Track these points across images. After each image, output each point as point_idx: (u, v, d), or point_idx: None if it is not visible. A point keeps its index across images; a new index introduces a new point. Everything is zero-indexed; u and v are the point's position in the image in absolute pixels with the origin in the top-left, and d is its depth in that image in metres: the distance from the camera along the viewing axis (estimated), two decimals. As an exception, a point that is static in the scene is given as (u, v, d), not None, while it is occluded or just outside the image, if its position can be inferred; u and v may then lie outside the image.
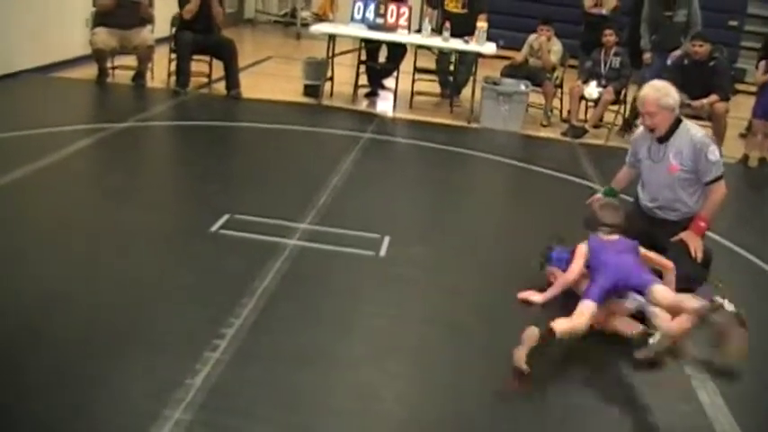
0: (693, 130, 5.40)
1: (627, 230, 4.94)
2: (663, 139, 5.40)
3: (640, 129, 5.65)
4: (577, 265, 4.75)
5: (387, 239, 5.50)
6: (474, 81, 9.90)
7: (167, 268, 4.82)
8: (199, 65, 9.84)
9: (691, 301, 4.35)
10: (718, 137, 9.21)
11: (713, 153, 5.32)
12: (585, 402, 3.89)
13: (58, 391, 3.43)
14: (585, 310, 4.33)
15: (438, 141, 8.58)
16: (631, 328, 4.41)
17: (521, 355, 4.00)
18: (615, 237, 4.85)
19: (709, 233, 6.34)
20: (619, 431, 3.75)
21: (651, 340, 4.26)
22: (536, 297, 4.85)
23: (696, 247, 5.22)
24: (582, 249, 4.79)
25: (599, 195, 5.69)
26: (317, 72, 10.05)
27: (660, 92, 5.33)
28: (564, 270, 4.89)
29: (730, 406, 3.93)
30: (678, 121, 5.39)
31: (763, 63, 9.80)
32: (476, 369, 4.07)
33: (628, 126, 10.16)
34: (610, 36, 9.73)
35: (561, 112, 10.40)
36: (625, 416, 3.88)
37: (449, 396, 3.82)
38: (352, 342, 4.17)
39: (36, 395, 3.39)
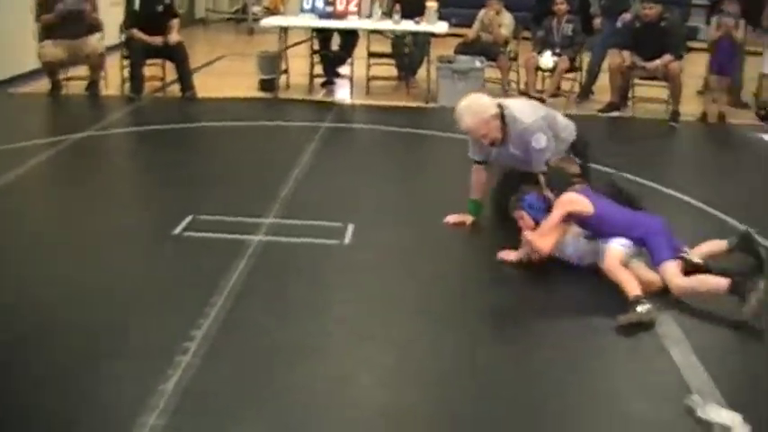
0: (519, 117, 5.31)
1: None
2: (502, 141, 5.38)
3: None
4: (558, 215, 4.76)
5: (351, 227, 5.48)
6: (428, 61, 9.87)
7: (132, 275, 4.76)
8: (152, 69, 9.75)
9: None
10: (675, 96, 9.27)
11: (537, 141, 5.26)
12: (560, 367, 3.90)
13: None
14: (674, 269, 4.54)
15: (397, 124, 8.58)
16: (635, 288, 4.41)
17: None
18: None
19: (672, 191, 6.43)
20: (594, 391, 3.76)
21: (639, 308, 4.26)
22: (512, 256, 4.94)
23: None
24: (570, 198, 4.82)
25: (468, 217, 5.65)
26: (272, 66, 9.99)
27: (476, 109, 5.26)
28: (535, 218, 4.95)
29: (704, 363, 3.94)
30: (503, 114, 5.32)
31: (714, 19, 9.84)
32: (449, 350, 4.05)
33: (585, 93, 10.21)
34: (561, 5, 9.75)
35: (518, 84, 10.41)
36: (600, 376, 3.90)
37: (427, 379, 3.81)
38: (324, 332, 4.15)
39: None
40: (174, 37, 9.40)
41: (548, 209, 4.89)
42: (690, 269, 4.67)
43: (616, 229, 4.71)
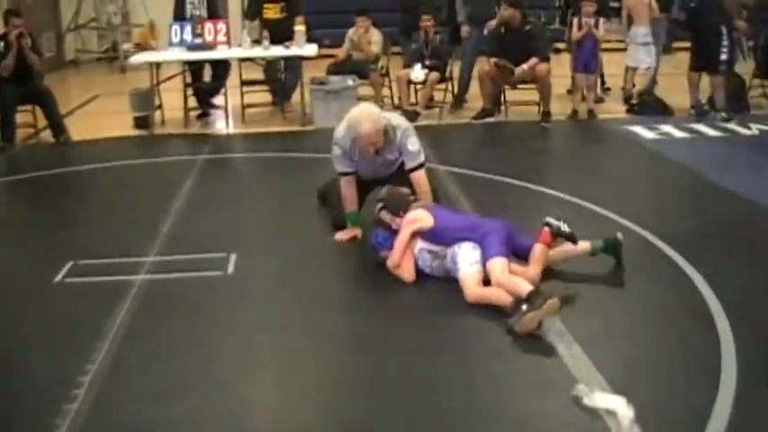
0: (397, 123, 5.66)
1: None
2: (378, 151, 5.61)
3: (341, 142, 5.64)
4: (404, 236, 5.01)
5: (233, 256, 5.47)
6: (302, 84, 9.90)
7: (13, 326, 4.65)
8: (23, 115, 9.55)
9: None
10: (545, 98, 9.52)
11: (413, 143, 5.62)
12: (451, 370, 3.98)
13: None
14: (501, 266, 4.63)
15: (275, 149, 8.62)
16: (505, 297, 4.50)
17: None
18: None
19: (551, 190, 6.60)
20: (487, 391, 3.83)
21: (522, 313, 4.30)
22: (406, 275, 5.03)
23: None
24: (411, 218, 5.07)
25: (356, 230, 5.79)
26: (145, 102, 9.88)
27: (375, 118, 5.48)
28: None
29: (588, 353, 4.06)
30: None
31: (575, 20, 10.13)
32: (342, 366, 4.10)
33: (459, 102, 10.39)
34: (427, 21, 9.94)
35: (392, 99, 10.53)
36: (492, 376, 3.96)
37: (324, 396, 3.85)
38: (215, 365, 4.11)
39: None
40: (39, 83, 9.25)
41: (396, 235, 5.11)
42: (557, 236, 4.92)
43: (458, 234, 4.89)
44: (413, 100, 10.15)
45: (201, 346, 4.31)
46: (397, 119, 5.75)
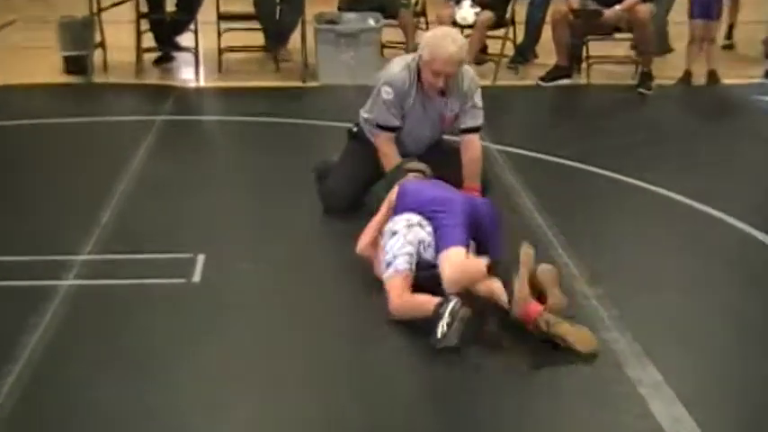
0: (464, 68, 6.03)
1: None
2: (444, 92, 5.95)
3: (397, 79, 5.97)
4: (380, 213, 5.42)
5: (201, 258, 5.52)
6: (303, 22, 9.93)
7: None
8: None
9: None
10: (646, 54, 9.49)
11: (479, 97, 6.10)
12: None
13: None
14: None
15: (262, 113, 8.65)
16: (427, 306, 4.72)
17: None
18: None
19: (651, 186, 6.63)
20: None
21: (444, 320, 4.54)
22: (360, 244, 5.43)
23: None
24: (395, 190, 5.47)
25: None
26: (81, 37, 9.91)
27: (461, 46, 5.78)
28: None
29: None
30: None
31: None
32: (340, 406, 4.16)
33: (522, 55, 10.37)
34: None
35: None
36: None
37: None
38: (169, 406, 4.14)
39: None
40: None
41: None
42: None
43: (409, 206, 5.23)
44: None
45: (152, 378, 4.34)
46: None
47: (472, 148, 6.03)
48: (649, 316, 4.91)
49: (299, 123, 8.45)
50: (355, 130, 6.35)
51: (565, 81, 9.81)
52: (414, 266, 4.97)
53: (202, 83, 9.93)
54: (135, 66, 10.16)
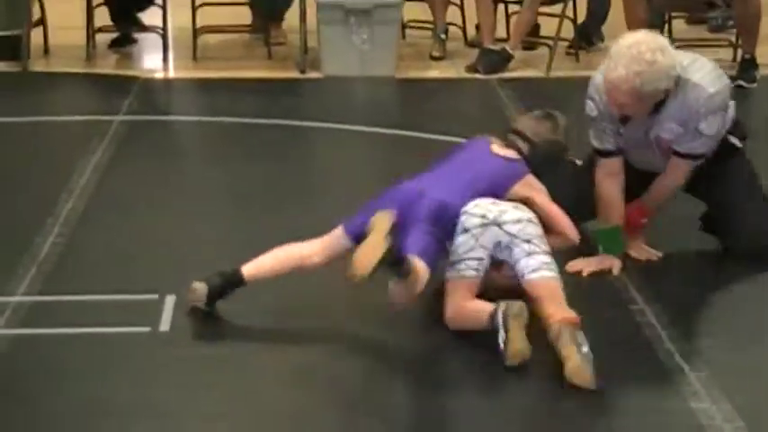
0: (696, 75, 5.70)
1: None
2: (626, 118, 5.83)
3: (592, 91, 5.90)
4: None
5: (170, 300, 5.43)
6: (303, -1, 10.05)
7: None
8: None
9: None
10: (747, 35, 9.38)
11: (712, 124, 5.72)
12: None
13: None
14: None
15: (249, 112, 8.72)
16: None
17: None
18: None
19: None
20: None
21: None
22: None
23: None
24: None
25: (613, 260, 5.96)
26: (12, 12, 9.94)
27: (642, 72, 5.45)
28: None
29: None
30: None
31: None
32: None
33: (585, 38, 10.29)
34: None
35: (465, 30, 10.58)
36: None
37: None
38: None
39: None
40: None
41: None
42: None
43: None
44: (501, 32, 10.13)
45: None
46: (705, 70, 5.79)
47: (671, 172, 5.86)
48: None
49: (295, 126, 8.48)
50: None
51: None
52: (483, 272, 5.15)
53: (172, 73, 10.08)
54: (85, 50, 10.25)
